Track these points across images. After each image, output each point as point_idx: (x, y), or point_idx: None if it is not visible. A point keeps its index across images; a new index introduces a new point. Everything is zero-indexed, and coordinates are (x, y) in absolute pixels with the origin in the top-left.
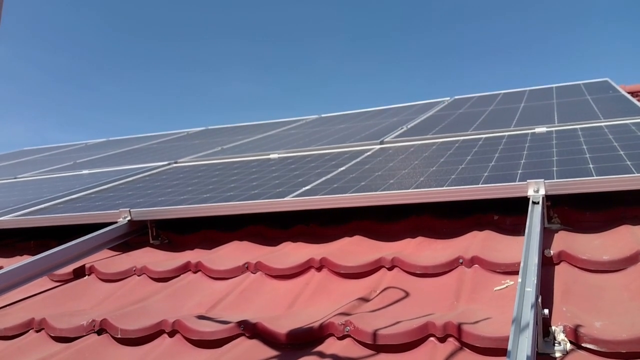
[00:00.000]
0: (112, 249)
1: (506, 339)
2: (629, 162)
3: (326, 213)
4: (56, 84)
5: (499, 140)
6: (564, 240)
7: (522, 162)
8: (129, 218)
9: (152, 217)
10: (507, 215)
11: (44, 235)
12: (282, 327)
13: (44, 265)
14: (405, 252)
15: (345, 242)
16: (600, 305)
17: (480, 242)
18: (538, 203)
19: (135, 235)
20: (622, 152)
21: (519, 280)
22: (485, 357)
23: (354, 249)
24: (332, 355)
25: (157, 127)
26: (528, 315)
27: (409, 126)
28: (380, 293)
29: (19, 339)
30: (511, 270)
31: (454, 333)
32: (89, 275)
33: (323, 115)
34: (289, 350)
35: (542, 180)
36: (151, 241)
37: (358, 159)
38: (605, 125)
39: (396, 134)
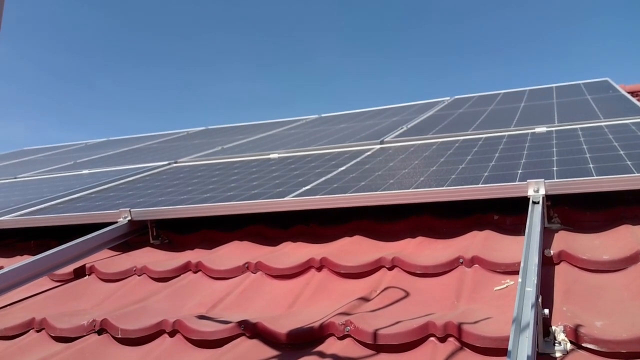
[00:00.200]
0: (112, 248)
1: (506, 338)
2: (629, 162)
3: (326, 213)
4: (56, 82)
5: (499, 140)
6: (564, 240)
7: (522, 162)
8: (129, 218)
9: (153, 217)
10: (507, 215)
11: (44, 235)
12: (282, 327)
13: (45, 265)
14: (405, 252)
15: (345, 242)
16: (600, 305)
17: (480, 242)
18: (538, 203)
19: (136, 235)
20: (622, 152)
21: (520, 280)
22: (485, 357)
23: (354, 249)
24: (333, 355)
25: (156, 126)
26: (528, 315)
27: (409, 126)
28: (380, 293)
29: (19, 338)
30: (511, 270)
31: (454, 333)
32: (89, 275)
33: (323, 115)
34: (289, 350)
35: (542, 180)
36: (151, 241)
37: (358, 159)
38: (605, 125)
39: (396, 133)
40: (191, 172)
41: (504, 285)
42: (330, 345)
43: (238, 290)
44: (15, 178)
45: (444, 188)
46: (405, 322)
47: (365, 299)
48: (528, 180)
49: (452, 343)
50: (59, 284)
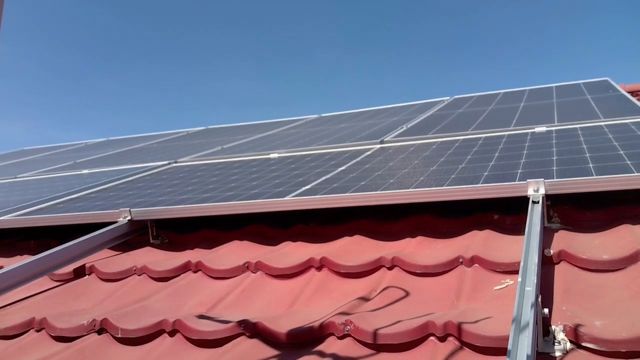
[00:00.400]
0: (112, 248)
1: (506, 338)
2: (628, 162)
3: (326, 212)
4: (55, 81)
5: (499, 139)
6: (564, 240)
7: (522, 161)
8: (129, 218)
9: (152, 216)
10: (507, 214)
11: (44, 234)
12: (282, 326)
13: (45, 264)
14: (405, 251)
15: (345, 241)
16: (600, 305)
17: (480, 241)
18: (538, 202)
19: (136, 235)
20: (622, 152)
21: (519, 279)
22: (485, 357)
23: (354, 249)
24: (333, 355)
25: (156, 125)
26: (528, 315)
27: (408, 125)
28: (380, 292)
29: (19, 338)
30: (511, 270)
31: (454, 332)
32: (89, 274)
33: (323, 115)
34: (289, 349)
35: (542, 179)
36: (151, 241)
37: (358, 159)
38: (605, 125)
39: (396, 133)
40: (191, 172)
41: (504, 285)
42: (330, 345)
43: (238, 289)
44: (15, 178)
45: (443, 188)
46: (405, 321)
47: (365, 299)
48: (528, 180)
49: (452, 342)
50: (59, 283)
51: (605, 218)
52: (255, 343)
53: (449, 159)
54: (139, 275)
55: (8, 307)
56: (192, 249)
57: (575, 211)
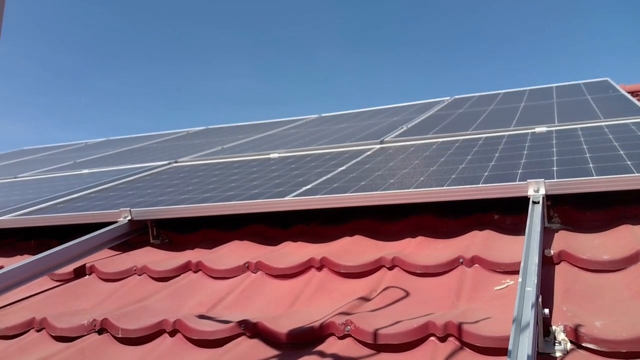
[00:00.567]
0: (112, 248)
1: (506, 338)
2: (629, 162)
3: (326, 212)
4: (55, 81)
5: (499, 139)
6: (564, 240)
7: (522, 161)
8: (129, 217)
9: (153, 216)
10: (507, 214)
11: (45, 234)
12: (282, 326)
13: (45, 264)
14: (405, 251)
15: (345, 241)
16: (600, 305)
17: (480, 241)
18: (538, 203)
19: (136, 235)
20: (622, 152)
21: (520, 279)
22: (485, 357)
23: (354, 249)
24: (333, 355)
25: (156, 125)
26: (528, 315)
27: (409, 126)
28: (380, 292)
29: (19, 338)
30: (511, 270)
31: (455, 332)
32: (89, 274)
33: (323, 115)
34: (290, 349)
35: (542, 180)
36: (151, 241)
37: (358, 159)
38: (606, 125)
39: (396, 133)
40: (191, 171)
41: (504, 285)
42: (331, 345)
43: (238, 289)
44: (15, 178)
45: (444, 188)
46: (405, 321)
47: (365, 299)
48: (528, 180)
49: (452, 343)
50: (59, 283)
51: (605, 218)
52: (255, 343)
53: (449, 159)
54: (139, 275)
55: (8, 307)
56: (193, 249)
57: (576, 211)
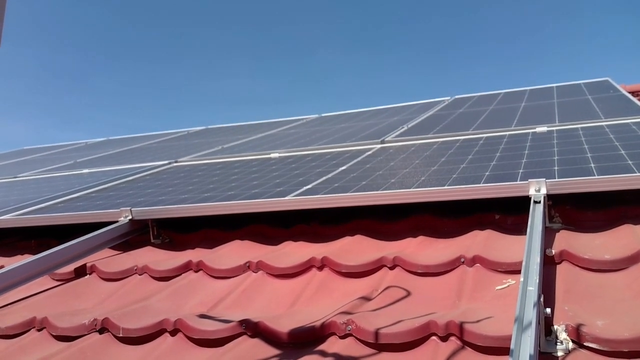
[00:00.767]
0: (113, 248)
1: (508, 338)
2: (630, 162)
3: (327, 212)
4: (55, 81)
5: (500, 139)
6: (565, 240)
7: (524, 161)
8: (129, 217)
9: (153, 216)
10: (508, 214)
11: (45, 234)
12: (283, 326)
13: (45, 264)
14: (406, 251)
15: (346, 241)
16: (602, 305)
17: (481, 241)
18: (539, 202)
19: (136, 235)
20: (623, 152)
21: (521, 279)
22: (487, 356)
23: (355, 248)
24: (334, 355)
25: (156, 125)
26: (530, 315)
27: (409, 125)
28: (381, 292)
29: (20, 337)
30: (513, 270)
31: (456, 332)
32: (90, 274)
33: (323, 115)
34: (291, 349)
35: (544, 179)
36: (152, 240)
37: (359, 158)
38: (606, 125)
39: (397, 133)
40: (191, 171)
41: (506, 285)
42: (332, 345)
43: (239, 289)
44: (16, 177)
45: (445, 187)
46: (406, 321)
47: (366, 298)
48: (529, 180)
49: (453, 342)
50: (59, 283)
51: (606, 218)
52: (256, 343)
53: (450, 159)
54: (140, 275)
55: (9, 306)
56: (193, 248)
57: (577, 211)
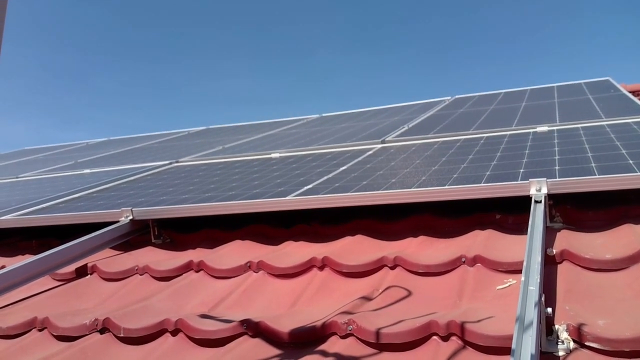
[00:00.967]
0: (114, 248)
1: (509, 337)
2: (631, 161)
3: (328, 212)
4: (55, 81)
5: (501, 139)
6: (566, 239)
7: (524, 161)
8: (130, 217)
9: (154, 216)
10: (509, 214)
11: (46, 234)
12: (284, 326)
13: (46, 264)
14: (407, 251)
15: (347, 241)
16: (603, 304)
17: (482, 241)
18: (540, 202)
19: (137, 235)
20: (624, 151)
21: (523, 279)
22: (488, 356)
23: (356, 248)
24: (335, 354)
25: (156, 124)
26: (531, 314)
27: (410, 125)
28: (382, 292)
29: (21, 338)
30: (514, 269)
31: (457, 332)
32: (91, 274)
33: (324, 115)
34: (292, 349)
35: (545, 179)
36: (153, 240)
37: (359, 158)
38: (607, 125)
39: (397, 133)
40: (192, 171)
41: (507, 284)
42: (333, 345)
43: (240, 289)
44: (17, 178)
45: (445, 187)
46: (407, 321)
47: (367, 298)
48: (530, 180)
49: (454, 342)
50: (60, 283)
51: (607, 218)
52: (257, 342)
53: (451, 159)
54: (140, 275)
55: (10, 306)
56: (194, 248)
57: (578, 211)
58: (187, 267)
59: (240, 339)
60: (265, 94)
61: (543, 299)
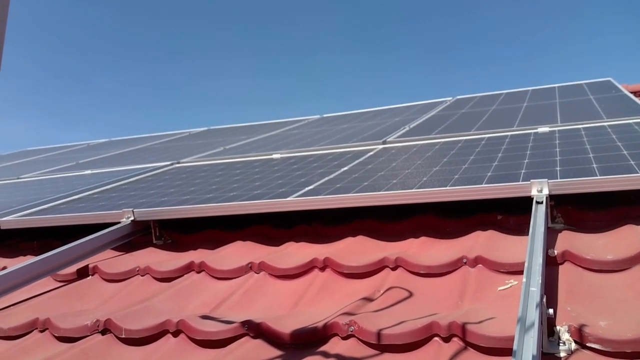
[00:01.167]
0: (115, 249)
1: (511, 338)
2: (632, 162)
3: (329, 213)
4: (55, 81)
5: (502, 140)
6: (567, 240)
7: (526, 161)
8: (132, 218)
9: (156, 217)
10: (510, 215)
11: (47, 235)
12: (286, 327)
13: (48, 265)
14: (408, 251)
15: (348, 242)
16: (604, 305)
17: (484, 241)
18: (542, 203)
19: (139, 235)
20: (625, 152)
21: (524, 280)
22: (489, 357)
23: (357, 249)
24: (337, 355)
25: (156, 124)
26: (533, 315)
27: (411, 126)
28: (384, 293)
29: (23, 338)
30: (515, 270)
31: (459, 333)
32: (92, 275)
33: (325, 115)
34: (293, 350)
35: (546, 180)
36: (154, 241)
37: (361, 159)
38: (609, 125)
39: (399, 133)
40: (194, 172)
41: (508, 285)
42: (334, 345)
43: (241, 290)
44: (18, 178)
45: (447, 188)
46: (409, 322)
47: (369, 299)
48: (531, 180)
49: (456, 343)
50: (62, 284)
51: (609, 218)
52: (259, 343)
53: (452, 160)
54: (142, 276)
55: (12, 307)
56: (195, 249)
57: (579, 211)
58: (189, 268)
59: (242, 340)
60: (266, 94)
61: (544, 300)
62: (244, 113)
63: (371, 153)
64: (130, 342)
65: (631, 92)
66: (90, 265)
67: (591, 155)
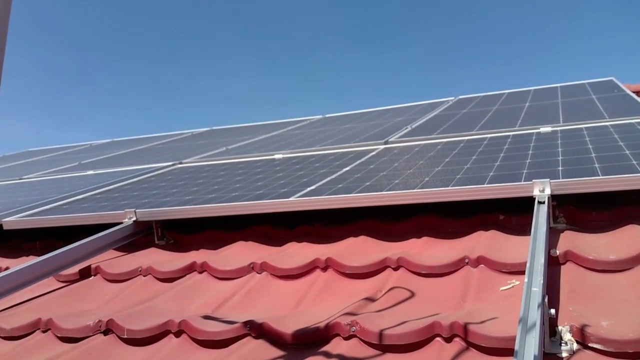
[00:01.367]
0: (117, 249)
1: (513, 338)
2: (634, 162)
3: (331, 213)
4: (55, 81)
5: (504, 140)
6: (570, 240)
7: (528, 161)
8: (134, 218)
9: (158, 217)
10: (512, 215)
11: (50, 235)
12: (288, 327)
13: (50, 265)
14: (410, 252)
15: (350, 242)
16: (606, 305)
17: (486, 242)
18: (544, 203)
19: (141, 236)
20: (627, 152)
21: (526, 280)
22: (491, 357)
23: (359, 249)
24: (338, 356)
25: (158, 125)
26: (535, 315)
27: (413, 126)
28: (386, 293)
29: (25, 339)
30: (517, 270)
31: (461, 333)
32: (94, 275)
33: (327, 116)
34: (295, 350)
35: (548, 180)
36: (157, 241)
37: (363, 159)
38: (611, 125)
39: (401, 133)
40: (196, 172)
41: (510, 285)
42: (336, 346)
43: (243, 290)
44: (21, 179)
45: (449, 188)
46: (411, 322)
47: (370, 299)
48: (533, 180)
49: (458, 343)
50: (64, 284)
51: (611, 218)
52: (261, 344)
53: (454, 160)
54: (144, 276)
55: (14, 307)
56: (198, 249)
57: (581, 211)
58: (191, 268)
59: (244, 340)
60: (266, 94)
61: (546, 300)
62: (244, 113)
63: (373, 153)
64: (132, 343)
65: (634, 92)
66: (93, 266)
67: (593, 155)
